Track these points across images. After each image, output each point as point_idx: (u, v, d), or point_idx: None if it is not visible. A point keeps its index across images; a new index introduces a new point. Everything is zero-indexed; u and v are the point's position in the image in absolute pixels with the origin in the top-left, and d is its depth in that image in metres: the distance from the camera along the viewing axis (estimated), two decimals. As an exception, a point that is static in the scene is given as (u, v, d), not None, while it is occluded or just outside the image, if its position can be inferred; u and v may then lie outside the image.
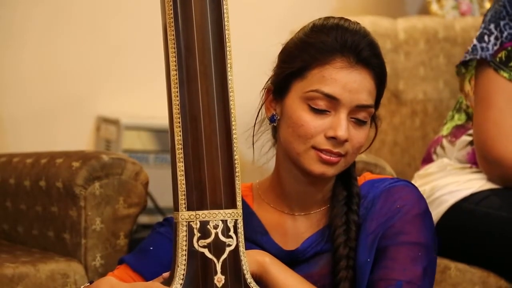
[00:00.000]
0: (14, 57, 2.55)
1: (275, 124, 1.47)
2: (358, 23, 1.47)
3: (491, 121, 1.98)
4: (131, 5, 2.65)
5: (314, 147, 1.42)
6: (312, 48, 1.43)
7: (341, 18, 1.47)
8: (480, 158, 2.02)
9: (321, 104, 1.41)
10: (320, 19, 1.48)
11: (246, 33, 2.35)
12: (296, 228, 1.49)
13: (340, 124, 1.41)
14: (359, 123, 1.43)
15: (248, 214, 1.47)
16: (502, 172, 1.98)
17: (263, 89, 1.49)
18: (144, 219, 2.53)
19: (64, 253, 1.93)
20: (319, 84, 1.41)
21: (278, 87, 1.46)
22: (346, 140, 1.42)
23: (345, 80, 1.41)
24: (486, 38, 2.01)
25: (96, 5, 2.62)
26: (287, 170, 1.47)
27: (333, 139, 1.41)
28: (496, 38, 2.00)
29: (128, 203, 1.93)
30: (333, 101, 1.41)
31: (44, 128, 2.57)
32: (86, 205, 1.90)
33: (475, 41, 2.02)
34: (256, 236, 1.48)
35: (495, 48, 2.00)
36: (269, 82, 1.48)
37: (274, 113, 1.46)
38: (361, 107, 1.43)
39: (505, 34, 2.00)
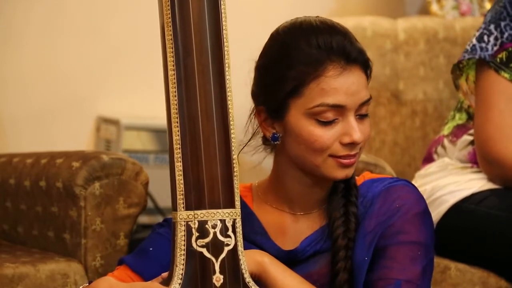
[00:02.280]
0: (14, 57, 2.55)
1: (278, 142, 1.45)
2: (331, 20, 1.45)
3: (491, 122, 1.98)
4: (130, 5, 2.65)
5: (332, 155, 1.42)
6: (298, 63, 1.41)
7: (309, 18, 1.43)
8: (480, 159, 2.02)
9: (329, 115, 1.41)
10: (286, 26, 1.43)
11: (244, 33, 2.35)
12: (296, 228, 1.49)
13: (354, 128, 1.41)
14: (363, 117, 1.44)
15: (247, 215, 1.47)
16: (502, 173, 1.98)
17: (252, 112, 1.46)
18: (144, 219, 2.53)
19: (64, 253, 1.93)
20: (321, 97, 1.40)
21: (273, 108, 1.43)
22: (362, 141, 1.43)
23: (345, 86, 1.41)
24: (485, 38, 2.01)
25: (95, 5, 2.62)
26: (292, 176, 1.47)
27: (350, 144, 1.42)
28: (496, 39, 2.00)
29: (128, 203, 1.93)
30: (340, 109, 1.41)
31: (44, 128, 2.57)
32: (86, 205, 1.90)
33: (474, 41, 2.02)
34: (256, 236, 1.48)
35: (495, 48, 2.00)
36: (259, 103, 1.45)
37: (275, 132, 1.45)
38: (363, 103, 1.43)
39: (506, 35, 2.00)
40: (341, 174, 1.43)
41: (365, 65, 1.44)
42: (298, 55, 1.41)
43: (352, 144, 1.42)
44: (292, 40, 1.42)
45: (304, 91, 1.41)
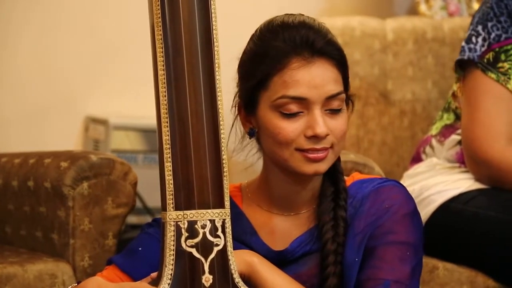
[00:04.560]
0: (3, 57, 2.54)
1: (254, 137, 1.46)
2: (303, 15, 1.46)
3: (478, 122, 1.98)
4: (120, 5, 2.65)
5: (298, 149, 1.42)
6: (265, 57, 1.42)
7: (285, 15, 1.46)
8: (468, 159, 2.03)
9: (292, 107, 1.41)
10: (264, 22, 1.46)
11: (234, 33, 2.34)
12: (285, 228, 1.49)
13: (316, 121, 1.41)
14: (335, 112, 1.43)
15: (237, 214, 1.47)
16: (489, 173, 1.99)
17: (233, 106, 1.48)
18: (132, 219, 2.53)
19: (52, 254, 1.93)
20: (283, 89, 1.41)
21: (247, 102, 1.45)
22: (327, 135, 1.42)
23: (307, 78, 1.40)
24: (473, 39, 2.01)
25: (85, 5, 2.61)
26: (275, 173, 1.47)
27: (313, 137, 1.41)
28: (484, 40, 2.01)
29: (116, 203, 1.93)
30: (303, 101, 1.41)
31: (32, 128, 2.56)
32: (75, 205, 1.90)
33: (463, 43, 2.03)
34: (245, 236, 1.48)
35: (483, 49, 2.00)
36: (237, 98, 1.47)
37: (252, 127, 1.46)
38: (331, 97, 1.42)
39: (493, 35, 2.00)
40: (309, 169, 1.42)
41: (336, 59, 1.43)
42: (266, 50, 1.42)
43: (315, 138, 1.41)
44: (264, 36, 1.44)
45: (269, 84, 1.41)
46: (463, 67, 2.05)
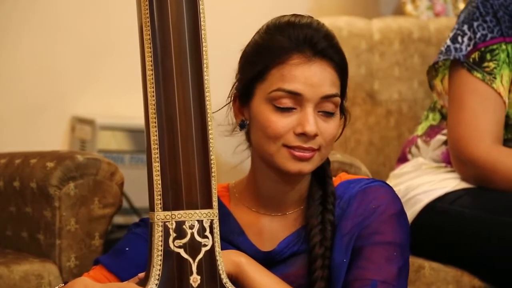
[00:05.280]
0: (-13, 56, 2.53)
1: (245, 130, 1.47)
2: (311, 17, 1.47)
3: (464, 122, 1.99)
4: (108, 5, 2.64)
5: (285, 145, 1.42)
6: (268, 50, 1.43)
7: (293, 15, 1.47)
8: (453, 158, 2.03)
9: (286, 102, 1.42)
10: (272, 19, 1.48)
11: (222, 33, 2.35)
12: (273, 229, 1.49)
13: (308, 120, 1.41)
14: (327, 115, 1.44)
15: (225, 215, 1.47)
16: (475, 172, 2.00)
17: (229, 96, 1.49)
18: (119, 219, 2.52)
19: (38, 254, 1.92)
20: (280, 82, 1.42)
21: (243, 93, 1.46)
22: (316, 135, 1.42)
23: (305, 75, 1.42)
24: (459, 39, 2.02)
25: (70, 5, 2.60)
26: (263, 171, 1.47)
27: (302, 135, 1.42)
28: (470, 39, 2.01)
29: (103, 204, 1.92)
30: (297, 97, 1.42)
31: (18, 128, 2.55)
32: (61, 206, 1.89)
33: (448, 42, 2.04)
34: (233, 236, 1.48)
35: (469, 49, 2.01)
36: (234, 89, 1.49)
37: (244, 119, 1.46)
38: (326, 98, 1.43)
39: (479, 35, 2.01)
40: (293, 167, 1.42)
41: (336, 63, 1.44)
42: (269, 43, 1.44)
43: (304, 136, 1.42)
44: (270, 31, 1.45)
45: (267, 76, 1.43)
46: (438, 65, 2.05)
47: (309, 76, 1.41)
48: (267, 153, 1.43)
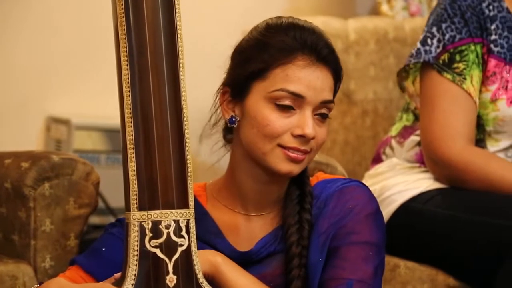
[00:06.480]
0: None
1: (234, 126, 1.46)
2: (311, 22, 1.48)
3: (436, 123, 2.00)
4: (83, 4, 2.63)
5: (281, 145, 1.43)
6: (271, 48, 1.43)
7: (294, 18, 1.48)
8: (427, 159, 2.05)
9: (288, 102, 1.43)
10: (272, 18, 1.48)
11: (198, 33, 2.34)
12: (250, 229, 1.49)
13: (307, 122, 1.42)
14: (322, 119, 1.45)
15: (202, 215, 1.47)
16: (448, 172, 2.01)
17: (217, 91, 1.48)
18: (95, 219, 2.51)
19: (12, 255, 1.91)
20: (283, 83, 1.42)
21: (237, 89, 1.45)
22: (313, 138, 1.43)
23: (309, 78, 1.43)
24: (429, 41, 2.03)
25: (45, 3, 2.59)
26: (245, 170, 1.47)
27: (300, 137, 1.43)
28: (439, 41, 2.03)
29: (78, 204, 1.91)
30: (299, 99, 1.43)
31: (-8, 128, 2.53)
32: (36, 206, 1.88)
33: (418, 45, 2.05)
34: (210, 236, 1.48)
35: (438, 50, 2.02)
36: (223, 84, 1.48)
37: (234, 115, 1.46)
38: (324, 103, 1.44)
39: (447, 36, 2.02)
40: (285, 167, 1.43)
41: (334, 70, 1.46)
42: (274, 41, 1.44)
43: (302, 138, 1.42)
44: (272, 29, 1.46)
45: (269, 75, 1.43)
46: (409, 67, 2.07)
47: (312, 80, 1.43)
48: (260, 151, 1.43)
